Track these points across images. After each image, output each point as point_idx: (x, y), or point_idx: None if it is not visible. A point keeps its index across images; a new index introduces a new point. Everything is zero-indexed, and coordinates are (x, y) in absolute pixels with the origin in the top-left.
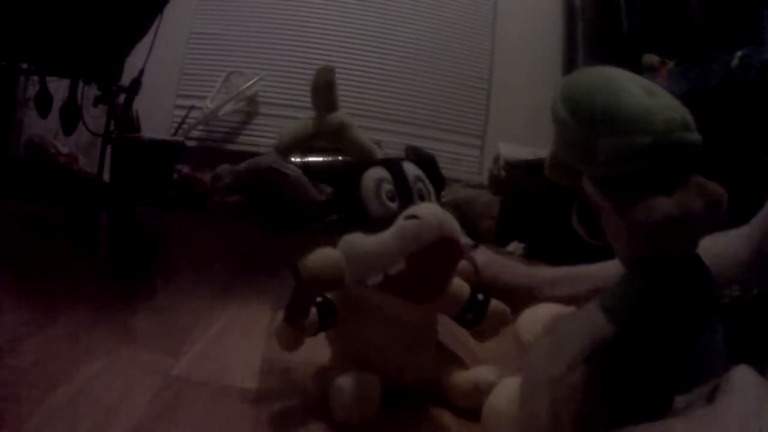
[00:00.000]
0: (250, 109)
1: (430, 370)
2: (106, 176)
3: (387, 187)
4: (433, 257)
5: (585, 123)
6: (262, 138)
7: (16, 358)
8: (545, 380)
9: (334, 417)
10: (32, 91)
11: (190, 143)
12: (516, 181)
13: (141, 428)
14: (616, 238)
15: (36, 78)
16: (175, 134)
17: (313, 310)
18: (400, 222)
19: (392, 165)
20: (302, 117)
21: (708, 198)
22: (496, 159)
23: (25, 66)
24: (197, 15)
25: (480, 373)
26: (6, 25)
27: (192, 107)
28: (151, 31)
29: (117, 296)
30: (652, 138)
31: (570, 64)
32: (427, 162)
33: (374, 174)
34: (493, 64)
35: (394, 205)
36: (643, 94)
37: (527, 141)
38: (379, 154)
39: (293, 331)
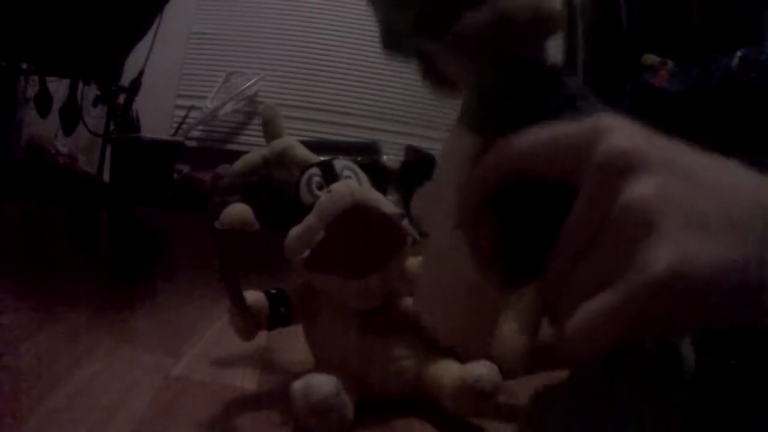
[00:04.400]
0: (250, 109)
1: (403, 372)
2: (106, 176)
3: (316, 179)
4: (351, 224)
5: None
6: (262, 138)
7: (16, 358)
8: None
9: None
10: (32, 91)
11: (190, 143)
12: None
13: (141, 428)
14: (454, 68)
15: (36, 78)
16: (175, 134)
17: (263, 297)
18: (319, 199)
19: (323, 163)
20: (302, 117)
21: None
22: None
23: (25, 66)
24: (197, 15)
25: (473, 368)
26: (6, 25)
27: (192, 107)
28: (151, 31)
29: (117, 296)
30: None
31: (570, 64)
32: (427, 162)
33: (307, 173)
34: None
35: (321, 192)
36: None
37: None
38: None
39: (240, 312)
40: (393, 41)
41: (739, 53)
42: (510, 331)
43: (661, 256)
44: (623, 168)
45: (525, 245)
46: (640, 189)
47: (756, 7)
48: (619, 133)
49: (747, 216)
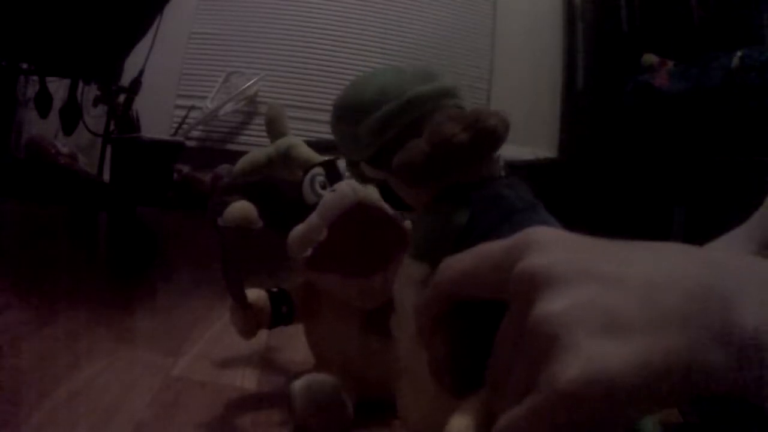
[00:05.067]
0: (250, 109)
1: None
2: (106, 176)
3: (319, 179)
4: (353, 224)
5: (345, 121)
6: (262, 138)
7: (16, 358)
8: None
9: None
10: (32, 91)
11: (190, 143)
12: None
13: (141, 428)
14: (406, 197)
15: (36, 78)
16: (175, 134)
17: (264, 295)
18: (322, 198)
19: (326, 162)
20: (302, 117)
21: (465, 123)
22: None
23: (25, 66)
24: (197, 15)
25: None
26: (6, 25)
27: (192, 107)
28: (151, 31)
29: (117, 296)
30: (391, 105)
31: (570, 64)
32: None
33: (311, 173)
34: (493, 64)
35: (325, 192)
36: (384, 77)
37: (527, 141)
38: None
39: (241, 310)
40: (354, 170)
41: (739, 53)
42: (461, 426)
43: (568, 368)
44: (534, 286)
45: (471, 356)
46: (547, 306)
47: (756, 7)
48: (537, 250)
49: (679, 306)
